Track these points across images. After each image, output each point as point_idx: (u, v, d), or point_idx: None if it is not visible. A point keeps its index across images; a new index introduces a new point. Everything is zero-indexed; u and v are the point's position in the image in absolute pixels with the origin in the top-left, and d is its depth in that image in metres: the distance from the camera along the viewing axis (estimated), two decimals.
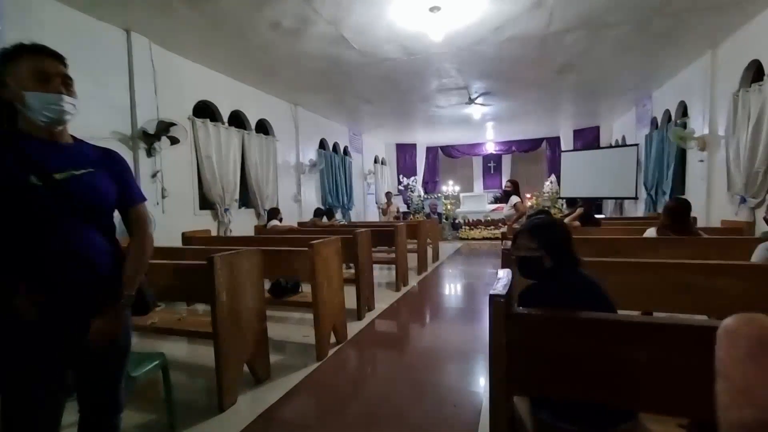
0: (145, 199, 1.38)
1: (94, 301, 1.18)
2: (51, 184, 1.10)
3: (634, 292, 2.02)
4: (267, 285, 3.49)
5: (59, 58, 1.18)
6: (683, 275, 1.94)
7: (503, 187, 5.13)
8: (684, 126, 5.82)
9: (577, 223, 4.58)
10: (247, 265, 2.48)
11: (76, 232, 1.15)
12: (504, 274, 1.31)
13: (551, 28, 4.36)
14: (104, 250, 1.22)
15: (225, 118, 5.78)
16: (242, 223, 5.86)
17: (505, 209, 4.99)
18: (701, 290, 1.90)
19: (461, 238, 10.63)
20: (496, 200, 4.84)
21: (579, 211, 4.52)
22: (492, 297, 1.07)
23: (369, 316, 3.99)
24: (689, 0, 3.84)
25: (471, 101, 7.29)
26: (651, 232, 3.17)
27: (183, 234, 4.44)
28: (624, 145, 8.87)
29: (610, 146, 9.74)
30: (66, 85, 1.17)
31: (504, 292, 1.11)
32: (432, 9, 3.82)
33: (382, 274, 6.15)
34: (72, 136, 1.27)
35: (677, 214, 2.96)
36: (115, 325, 1.22)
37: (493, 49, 4.95)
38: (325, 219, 6.83)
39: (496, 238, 9.80)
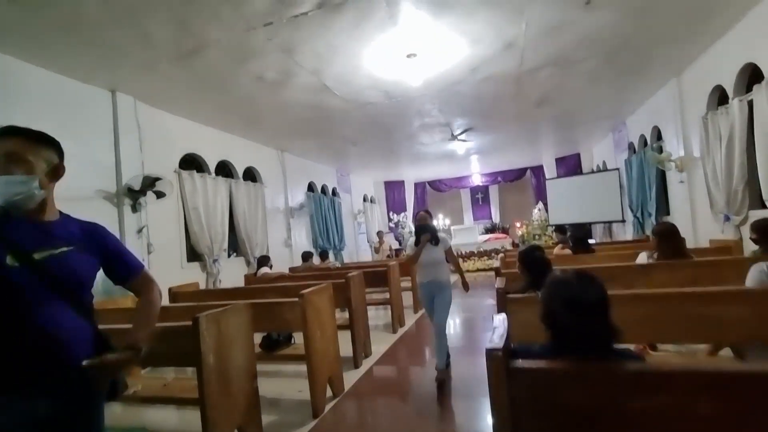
0: (142, 266, 1.40)
1: (62, 381, 1.10)
2: (28, 264, 1.08)
3: (635, 324, 1.97)
4: (257, 338, 3.36)
5: (8, 134, 1.12)
6: (683, 305, 1.91)
7: (416, 220, 3.62)
8: (660, 149, 6.01)
9: (567, 251, 4.57)
10: (235, 322, 2.38)
11: (52, 310, 1.11)
12: (500, 322, 1.26)
13: (524, 66, 4.56)
14: (77, 327, 1.16)
15: (212, 169, 5.81)
16: (232, 273, 5.74)
17: (437, 252, 3.39)
18: (701, 319, 1.87)
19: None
20: (418, 236, 3.01)
21: (559, 246, 4.62)
22: (489, 351, 1.02)
23: (366, 363, 3.83)
24: (648, 35, 4.09)
25: (454, 137, 7.48)
26: (642, 257, 3.17)
27: (170, 290, 4.30)
28: (605, 170, 9.10)
29: (592, 171, 9.98)
30: (13, 162, 1.09)
31: (501, 343, 1.06)
32: (409, 56, 3.98)
33: (377, 315, 5.99)
34: (60, 211, 1.25)
35: (665, 238, 2.98)
36: (117, 365, 1.18)
37: (470, 89, 5.14)
38: (314, 261, 6.76)
39: (491, 269, 9.73)
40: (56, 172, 1.21)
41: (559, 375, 1.00)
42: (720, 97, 4.69)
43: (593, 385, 0.97)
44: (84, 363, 1.10)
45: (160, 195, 4.47)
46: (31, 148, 1.13)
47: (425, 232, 3.42)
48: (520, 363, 1.03)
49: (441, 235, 3.53)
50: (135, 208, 4.35)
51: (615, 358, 1.04)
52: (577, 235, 4.72)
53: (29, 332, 1.06)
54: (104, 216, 4.06)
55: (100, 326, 1.27)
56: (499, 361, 1.00)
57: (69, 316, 1.14)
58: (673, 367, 0.90)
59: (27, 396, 1.05)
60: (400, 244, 11.62)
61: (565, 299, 1.12)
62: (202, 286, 5.18)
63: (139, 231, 4.39)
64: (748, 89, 4.05)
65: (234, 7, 3.00)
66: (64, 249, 1.16)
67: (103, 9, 2.86)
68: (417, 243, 3.44)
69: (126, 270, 1.34)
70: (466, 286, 3.62)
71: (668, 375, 0.92)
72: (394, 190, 13.02)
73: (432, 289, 3.41)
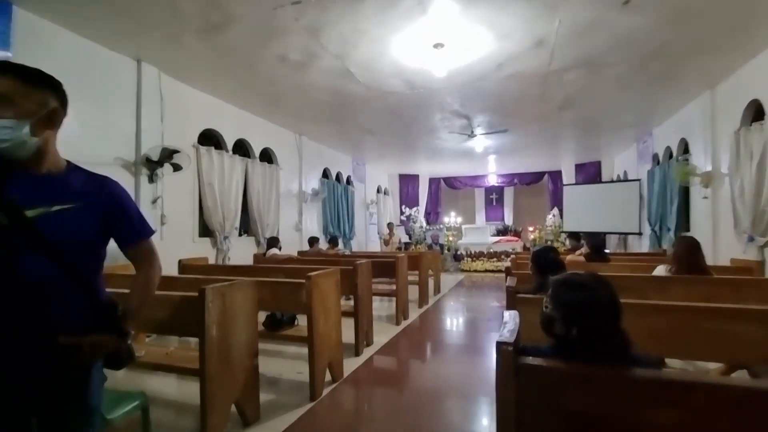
0: (148, 234, 1.26)
1: (48, 349, 1.02)
2: (19, 222, 0.97)
3: (647, 336, 1.90)
4: (261, 316, 3.38)
5: None
6: (700, 319, 1.84)
7: None
8: (686, 163, 5.81)
9: (582, 258, 4.48)
10: (241, 298, 2.39)
11: (41, 275, 1.00)
12: (510, 318, 1.22)
13: (552, 66, 4.44)
14: (67, 295, 1.05)
15: (229, 146, 5.83)
16: (241, 251, 5.78)
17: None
18: (719, 336, 1.79)
19: (463, 270, 10.47)
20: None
21: (583, 250, 4.47)
22: (499, 345, 0.98)
23: (367, 352, 3.83)
24: (686, 42, 3.92)
25: (473, 134, 7.37)
26: (660, 270, 3.08)
27: (180, 262, 4.35)
28: (626, 180, 8.88)
29: (612, 181, 9.75)
30: (0, 105, 0.97)
31: (512, 339, 1.02)
32: (436, 46, 3.90)
33: (381, 306, 5.98)
34: (67, 161, 1.15)
35: (687, 252, 2.88)
36: (94, 348, 1.06)
37: (494, 85, 5.04)
38: (322, 246, 6.80)
39: (499, 271, 9.64)
40: (53, 117, 1.06)
41: (571, 376, 0.96)
42: (755, 113, 4.50)
43: (607, 389, 0.92)
44: (60, 339, 1.01)
45: (176, 168, 4.51)
46: (23, 89, 1.00)
47: None
48: (531, 360, 0.99)
49: None
50: (152, 179, 4.39)
51: (631, 363, 0.99)
52: (594, 243, 4.62)
53: (14, 296, 0.99)
54: (121, 183, 4.10)
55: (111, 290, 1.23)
56: (509, 356, 0.96)
57: (59, 282, 1.03)
58: (696, 379, 0.85)
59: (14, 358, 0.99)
60: (410, 238, 11.60)
61: (585, 301, 1.06)
62: (212, 262, 5.23)
63: (154, 201, 4.43)
64: None
65: None
66: (62, 207, 1.03)
67: None
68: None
69: (128, 233, 1.20)
70: None
71: (689, 386, 0.86)
72: (408, 183, 12.95)
73: None
